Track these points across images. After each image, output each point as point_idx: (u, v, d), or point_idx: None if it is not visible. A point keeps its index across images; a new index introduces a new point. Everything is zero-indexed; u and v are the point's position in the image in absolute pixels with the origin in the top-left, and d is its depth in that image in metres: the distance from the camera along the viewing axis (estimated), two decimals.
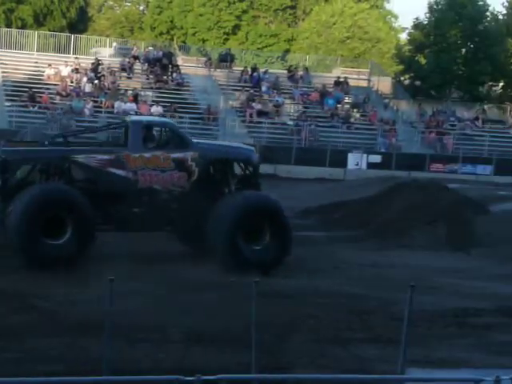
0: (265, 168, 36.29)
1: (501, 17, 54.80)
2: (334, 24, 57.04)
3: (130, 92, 40.60)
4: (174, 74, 43.54)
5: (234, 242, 15.56)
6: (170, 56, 45.11)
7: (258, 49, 58.65)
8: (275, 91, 43.76)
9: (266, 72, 45.66)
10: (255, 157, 17.29)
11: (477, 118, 45.80)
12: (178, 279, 14.11)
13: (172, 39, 58.20)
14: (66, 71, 41.43)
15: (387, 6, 65.81)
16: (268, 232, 15.91)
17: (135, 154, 15.99)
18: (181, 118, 39.64)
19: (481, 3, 53.06)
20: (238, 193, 16.48)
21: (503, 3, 54.83)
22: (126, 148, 16.15)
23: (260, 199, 16.36)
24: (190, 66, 45.97)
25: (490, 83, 54.80)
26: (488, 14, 53.86)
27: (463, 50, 52.87)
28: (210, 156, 16.56)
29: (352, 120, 43.10)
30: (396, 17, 66.21)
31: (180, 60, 46.58)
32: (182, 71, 44.38)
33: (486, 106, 48.87)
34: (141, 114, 38.97)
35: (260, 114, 41.38)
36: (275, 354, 10.16)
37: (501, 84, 55.29)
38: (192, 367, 8.90)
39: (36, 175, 15.95)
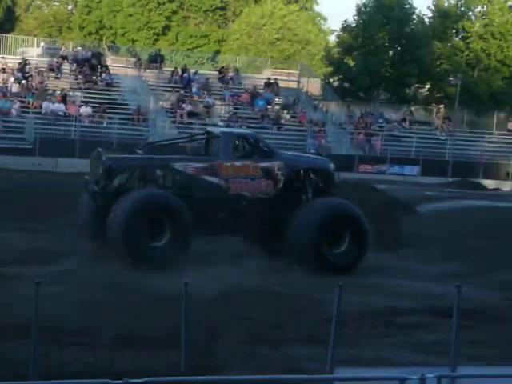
0: None
1: (427, 20, 55.67)
2: (264, 26, 57.26)
3: (58, 92, 40.08)
4: (103, 75, 43.15)
5: (317, 246, 16.72)
6: (99, 56, 44.70)
7: (188, 49, 58.52)
8: (205, 92, 43.73)
9: (196, 73, 45.59)
10: (332, 167, 18.72)
11: (404, 120, 46.50)
12: (105, 281, 13.98)
13: (101, 39, 57.68)
14: None
15: (316, 8, 66.39)
16: (347, 236, 17.08)
17: (227, 162, 17.25)
18: (110, 118, 39.35)
19: (407, 6, 53.85)
20: (321, 199, 17.65)
21: (429, 6, 55.77)
22: (218, 157, 17.35)
23: (341, 205, 17.56)
24: (119, 66, 45.61)
25: (417, 85, 55.67)
26: (414, 16, 54.69)
27: (391, 52, 53.59)
28: (293, 166, 17.94)
29: (282, 121, 43.33)
30: (325, 19, 66.89)
31: (109, 60, 46.19)
32: (112, 71, 44.01)
33: (412, 108, 49.63)
34: (69, 115, 38.56)
35: (190, 114, 41.30)
36: (206, 356, 10.16)
37: (427, 86, 56.19)
38: (121, 370, 8.83)
39: (134, 181, 16.90)
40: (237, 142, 17.93)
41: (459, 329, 8.66)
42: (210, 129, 20.47)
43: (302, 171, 17.98)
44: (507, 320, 13.59)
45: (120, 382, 6.05)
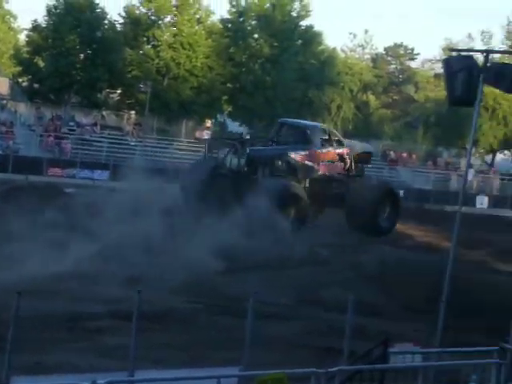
0: None
1: (118, 25, 55.91)
2: None
3: None
4: None
5: (374, 214, 22.78)
6: None
7: None
8: None
9: None
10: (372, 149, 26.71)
11: (95, 124, 46.45)
12: None
13: None
14: None
15: (6, 5, 64.12)
16: (388, 207, 23.24)
17: (319, 150, 22.94)
18: None
19: (99, 11, 53.69)
20: (370, 178, 25.48)
21: (120, 13, 55.93)
22: (312, 145, 22.91)
23: (387, 183, 25.92)
24: None
25: (108, 90, 55.68)
26: (106, 21, 54.66)
27: (82, 55, 53.10)
28: (354, 150, 24.16)
29: None
30: (15, 17, 64.79)
31: None
32: None
33: (104, 113, 49.65)
34: None
35: None
36: None
37: (118, 91, 56.44)
38: None
39: (263, 168, 22.06)
40: (320, 133, 23.47)
41: (143, 332, 8.73)
42: (283, 120, 25.14)
43: (358, 154, 24.13)
44: (190, 322, 14.02)
45: None
